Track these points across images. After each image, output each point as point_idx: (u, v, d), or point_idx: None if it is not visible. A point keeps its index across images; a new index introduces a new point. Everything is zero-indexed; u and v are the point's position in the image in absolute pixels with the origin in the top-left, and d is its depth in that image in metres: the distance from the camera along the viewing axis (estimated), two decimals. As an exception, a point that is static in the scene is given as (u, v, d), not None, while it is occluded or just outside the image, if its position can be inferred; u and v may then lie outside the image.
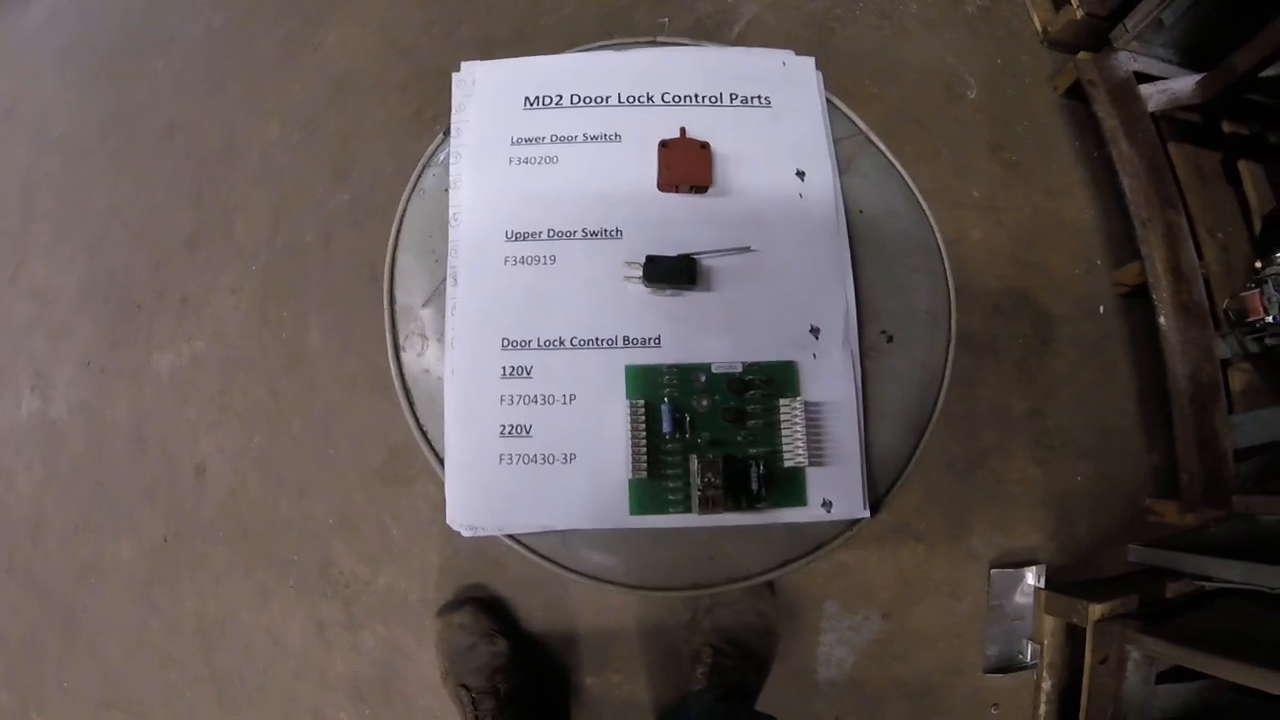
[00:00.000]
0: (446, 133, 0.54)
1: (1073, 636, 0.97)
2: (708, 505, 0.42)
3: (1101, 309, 1.04)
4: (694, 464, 0.43)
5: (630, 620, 0.93)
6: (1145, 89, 1.03)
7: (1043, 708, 1.00)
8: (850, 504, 0.46)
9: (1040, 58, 1.10)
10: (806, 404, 0.45)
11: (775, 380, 0.46)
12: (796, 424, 0.45)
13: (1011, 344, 1.01)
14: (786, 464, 0.45)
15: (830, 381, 0.47)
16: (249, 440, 1.00)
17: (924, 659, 0.96)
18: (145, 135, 1.15)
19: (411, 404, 0.50)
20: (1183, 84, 1.04)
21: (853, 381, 0.48)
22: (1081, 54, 1.06)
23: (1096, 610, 0.92)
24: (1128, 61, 1.04)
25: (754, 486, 0.44)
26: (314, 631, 0.96)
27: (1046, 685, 1.00)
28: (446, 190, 0.51)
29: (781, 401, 0.45)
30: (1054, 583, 1.00)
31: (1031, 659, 1.00)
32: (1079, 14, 1.06)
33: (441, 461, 0.48)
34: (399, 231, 0.53)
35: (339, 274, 1.00)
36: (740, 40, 1.02)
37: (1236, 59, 0.96)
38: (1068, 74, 1.08)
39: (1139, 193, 1.01)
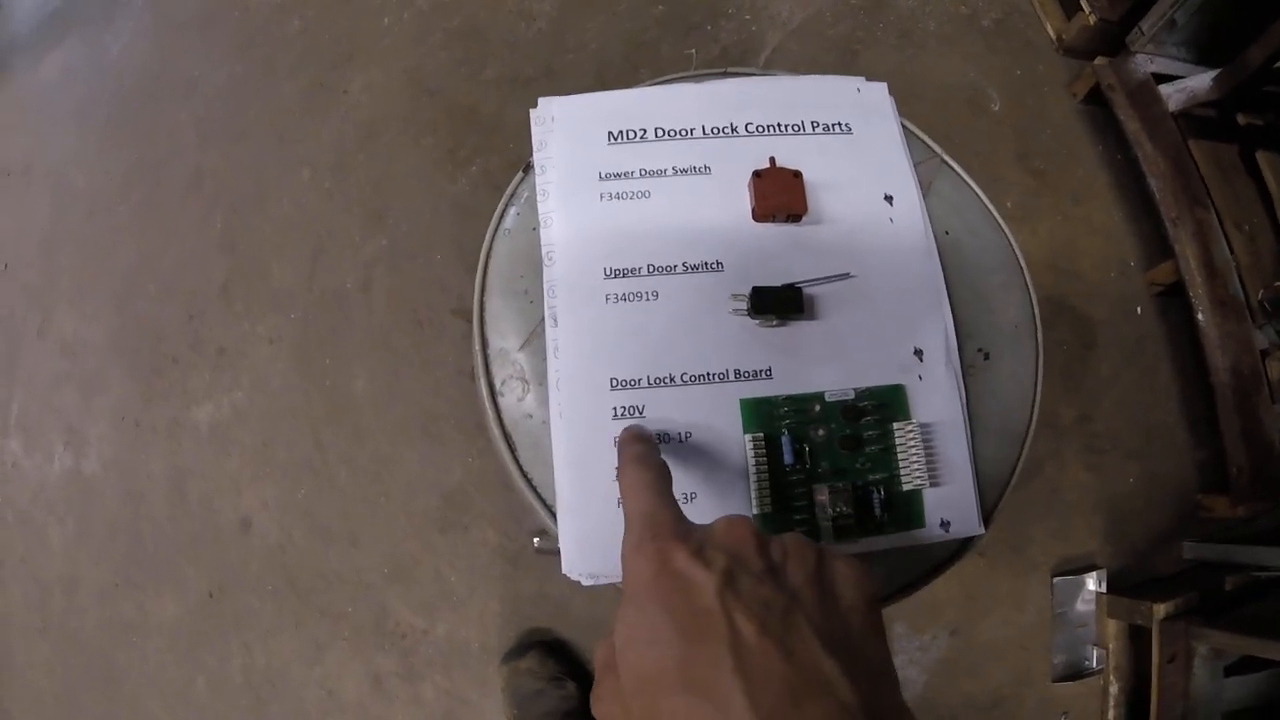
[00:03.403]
0: (526, 169, 0.53)
1: (1136, 638, 0.97)
2: (841, 534, 0.41)
3: (1139, 310, 1.04)
4: (823, 494, 0.42)
5: (697, 652, 0.91)
6: (1164, 89, 1.05)
7: (1111, 712, 0.99)
8: (966, 521, 0.46)
9: (1056, 66, 1.12)
10: (920, 426, 0.45)
11: (887, 405, 0.46)
12: (913, 447, 0.44)
13: (1055, 351, 1.01)
14: (905, 487, 0.45)
15: (937, 402, 0.47)
16: (295, 492, 0.99)
17: (993, 673, 0.95)
18: (171, 185, 1.14)
19: (513, 450, 0.49)
20: (1199, 81, 1.05)
21: (959, 400, 0.47)
22: (1098, 59, 1.08)
23: (1161, 609, 0.92)
24: (1145, 64, 1.06)
25: (876, 512, 0.44)
26: (371, 684, 0.94)
27: (1114, 689, 0.99)
28: (534, 229, 0.50)
29: (895, 425, 0.45)
30: (1113, 586, 1.00)
31: (1098, 664, 0.99)
32: (1091, 20, 1.08)
33: (549, 509, 0.47)
34: (485, 273, 0.52)
35: (381, 319, 1.00)
36: (768, 67, 1.03)
37: (1251, 53, 0.98)
38: (1085, 80, 1.10)
39: (1166, 192, 1.02)
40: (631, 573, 0.27)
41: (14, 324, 1.20)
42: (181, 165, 1.15)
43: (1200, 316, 0.98)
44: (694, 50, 1.05)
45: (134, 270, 1.14)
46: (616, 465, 0.35)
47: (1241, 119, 1.09)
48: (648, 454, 0.35)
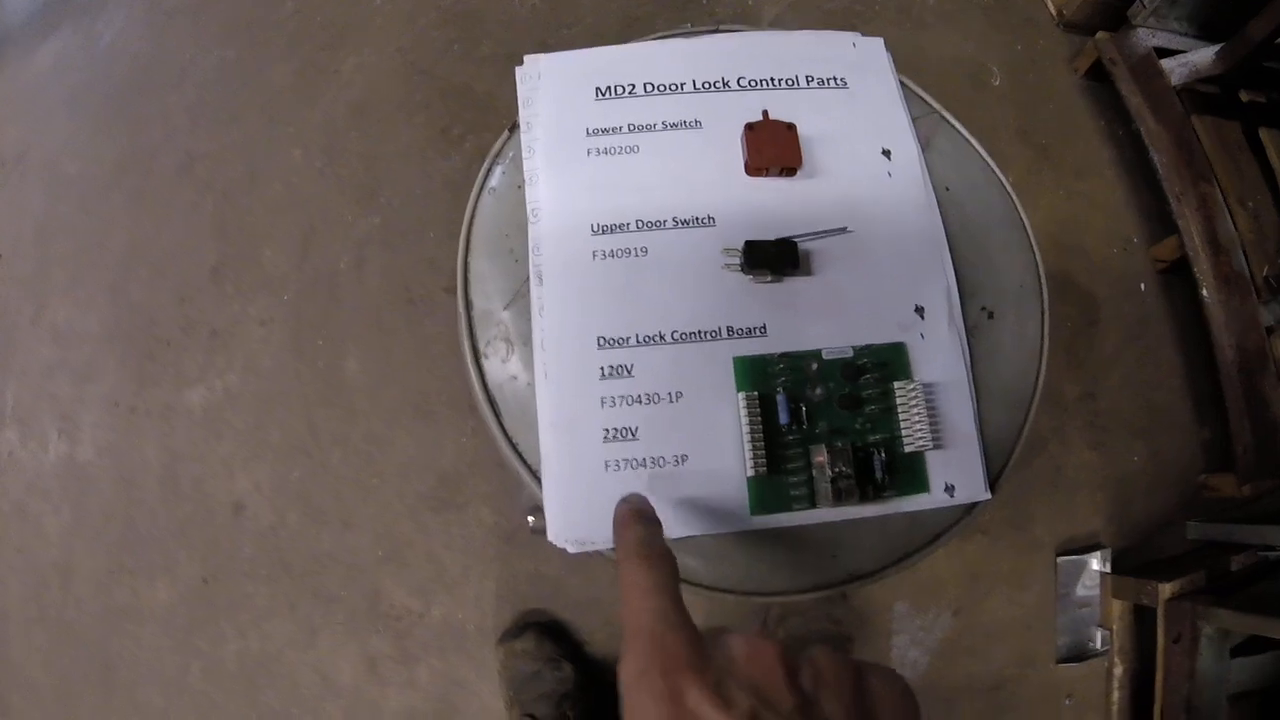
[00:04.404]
0: (512, 128, 0.52)
1: (1141, 619, 0.96)
2: (841, 497, 0.40)
3: (1142, 286, 1.03)
4: (821, 454, 0.41)
5: (695, 635, 0.90)
6: (1166, 63, 1.03)
7: (1115, 694, 0.98)
8: (972, 486, 0.44)
9: (1057, 41, 1.11)
10: (922, 385, 0.44)
11: (887, 363, 0.44)
12: (915, 407, 0.43)
13: (1059, 328, 0.99)
14: (907, 449, 0.43)
15: (940, 361, 0.45)
16: (288, 474, 0.97)
17: (996, 654, 0.94)
18: (163, 170, 1.13)
19: (498, 414, 0.47)
20: (1201, 56, 1.04)
21: (963, 360, 0.46)
22: (1100, 34, 1.06)
23: (1167, 589, 0.90)
24: (1146, 38, 1.04)
25: (878, 475, 0.42)
26: (365, 667, 0.93)
27: (1118, 670, 0.97)
28: (520, 187, 0.49)
29: (896, 385, 0.43)
30: (1118, 566, 0.98)
31: (1102, 645, 0.97)
32: (1092, -7, 1.06)
33: (534, 474, 0.45)
34: (469, 233, 0.51)
35: (374, 299, 0.99)
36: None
37: (1253, 27, 0.96)
38: (1087, 54, 1.08)
39: (1170, 167, 1.01)
40: (636, 711, 0.23)
41: (7, 313, 1.19)
42: (173, 151, 1.14)
43: (1205, 293, 0.97)
44: (689, 24, 1.04)
45: (126, 256, 1.13)
46: (614, 549, 0.30)
47: (1244, 95, 1.07)
48: (650, 541, 0.30)
